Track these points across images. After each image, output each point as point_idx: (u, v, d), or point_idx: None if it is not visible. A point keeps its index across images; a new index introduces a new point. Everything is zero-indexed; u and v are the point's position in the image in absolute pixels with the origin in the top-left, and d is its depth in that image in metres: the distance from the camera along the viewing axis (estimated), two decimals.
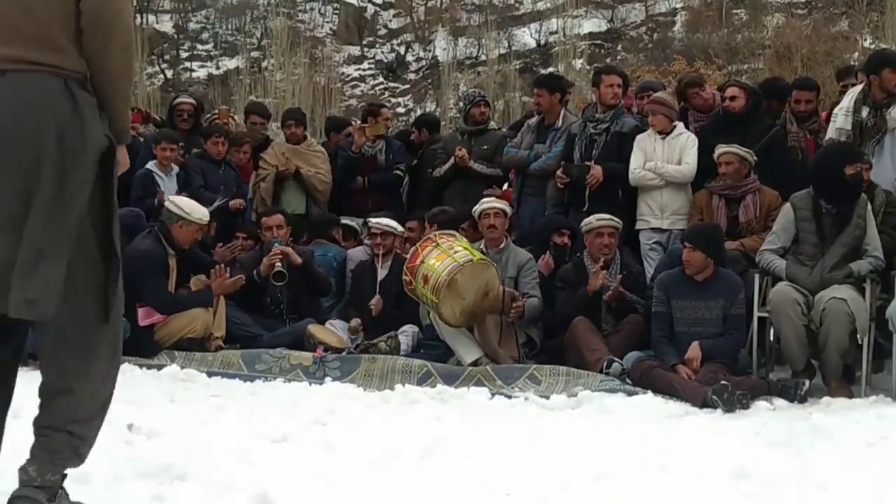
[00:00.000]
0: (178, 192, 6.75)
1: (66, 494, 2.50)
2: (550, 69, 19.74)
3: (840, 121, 6.04)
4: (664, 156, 6.36)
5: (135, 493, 2.83)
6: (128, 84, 2.59)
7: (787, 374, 5.42)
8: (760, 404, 4.86)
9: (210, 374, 5.50)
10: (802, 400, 5.02)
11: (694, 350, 5.28)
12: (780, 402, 4.98)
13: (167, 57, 25.31)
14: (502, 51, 22.97)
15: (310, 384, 5.39)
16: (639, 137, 6.44)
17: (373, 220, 6.58)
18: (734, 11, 22.81)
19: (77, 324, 2.46)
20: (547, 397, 5.01)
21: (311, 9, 26.53)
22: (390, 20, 26.93)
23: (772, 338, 5.53)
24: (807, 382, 5.13)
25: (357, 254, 6.86)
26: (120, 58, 2.49)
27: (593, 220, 5.98)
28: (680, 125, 6.50)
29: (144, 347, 5.79)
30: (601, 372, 5.35)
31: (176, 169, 7.09)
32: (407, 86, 24.74)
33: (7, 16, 2.38)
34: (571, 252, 6.27)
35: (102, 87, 2.47)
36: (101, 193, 2.46)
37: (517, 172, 7.17)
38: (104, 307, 2.47)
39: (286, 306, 6.43)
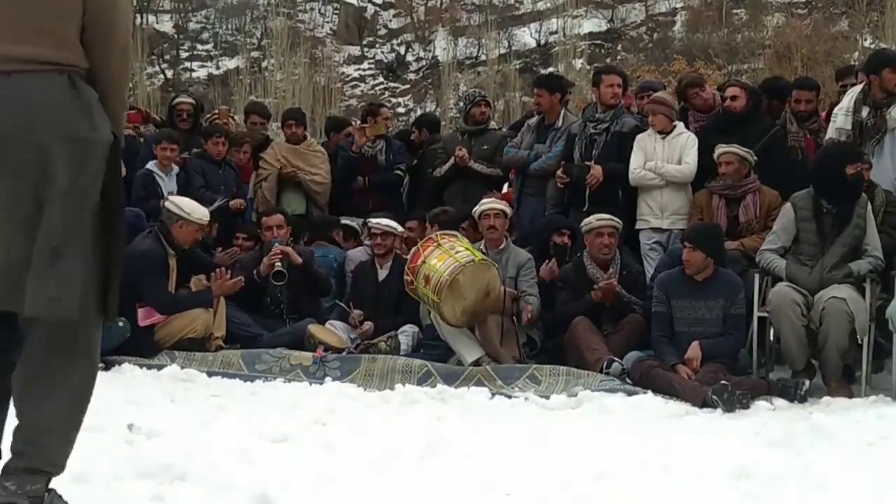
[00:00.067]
0: (179, 193, 6.75)
1: (59, 495, 2.49)
2: (550, 69, 19.75)
3: (840, 121, 6.04)
4: (664, 155, 6.36)
5: (135, 493, 2.83)
6: (124, 86, 2.59)
7: (787, 374, 5.42)
8: (760, 404, 4.86)
9: (210, 374, 5.50)
10: (802, 400, 5.02)
11: (694, 350, 5.28)
12: (780, 401, 4.98)
13: (167, 57, 25.32)
14: (502, 51, 22.99)
15: (310, 384, 5.39)
16: (639, 137, 6.44)
17: (373, 221, 6.57)
18: (734, 11, 22.83)
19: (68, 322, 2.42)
20: (547, 397, 5.01)
21: (311, 9, 26.54)
22: (390, 20, 26.94)
23: (772, 338, 5.54)
24: (807, 382, 5.13)
25: (357, 254, 6.85)
26: (119, 59, 2.50)
27: (593, 220, 5.98)
28: (680, 125, 6.50)
29: (144, 347, 5.79)
30: (601, 372, 5.35)
31: (176, 169, 7.08)
32: (407, 86, 24.75)
33: (16, 9, 2.36)
34: (571, 252, 6.27)
35: (100, 86, 2.47)
36: (108, 188, 2.45)
37: (517, 172, 7.16)
38: (102, 305, 2.46)
39: (286, 306, 6.42)
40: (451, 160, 7.14)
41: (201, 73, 24.67)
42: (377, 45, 26.17)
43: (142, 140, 7.71)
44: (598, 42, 23.66)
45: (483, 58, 23.14)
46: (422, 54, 25.58)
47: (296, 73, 19.97)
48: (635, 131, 6.52)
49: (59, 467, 2.47)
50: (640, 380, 5.23)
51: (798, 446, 3.79)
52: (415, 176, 7.82)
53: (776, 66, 17.52)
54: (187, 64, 25.18)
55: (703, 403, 4.82)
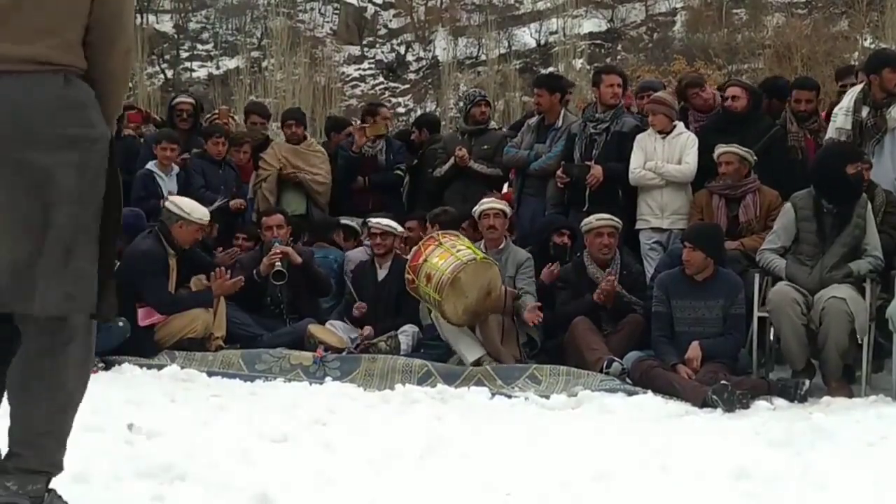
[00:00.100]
0: (179, 193, 6.75)
1: (59, 495, 2.49)
2: (550, 69, 19.75)
3: (840, 120, 6.04)
4: (664, 155, 6.36)
5: (135, 493, 2.82)
6: (123, 89, 2.60)
7: (787, 374, 5.42)
8: (760, 404, 4.86)
9: (210, 374, 5.50)
10: (802, 400, 5.02)
11: (694, 350, 5.28)
12: (780, 401, 4.98)
13: (167, 57, 25.32)
14: (502, 51, 23.00)
15: (310, 384, 5.39)
16: (639, 137, 6.44)
17: (372, 221, 6.57)
18: (734, 11, 22.83)
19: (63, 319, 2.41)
20: (547, 397, 5.01)
21: (311, 9, 26.55)
22: (390, 20, 26.94)
23: (772, 337, 5.54)
24: (807, 382, 5.13)
25: (356, 255, 6.85)
26: (121, 62, 2.50)
27: (593, 220, 5.98)
28: (680, 125, 6.50)
29: (144, 347, 5.79)
30: (601, 372, 5.35)
31: (176, 169, 7.08)
32: (407, 86, 24.75)
33: (23, 9, 2.36)
34: (571, 252, 6.27)
35: (99, 87, 2.47)
36: (107, 187, 2.45)
37: (517, 172, 7.16)
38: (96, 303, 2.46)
39: (286, 306, 6.42)
40: (451, 160, 7.14)
41: (201, 73, 24.68)
42: (377, 45, 26.17)
43: (142, 140, 7.71)
44: (598, 42, 23.66)
45: (483, 58, 23.14)
46: (422, 54, 25.58)
47: (296, 73, 19.98)
48: (635, 131, 6.52)
49: (59, 467, 2.47)
50: (640, 380, 5.23)
51: (798, 446, 3.79)
52: (415, 176, 7.82)
53: (776, 66, 17.51)
54: (187, 64, 25.18)
55: (703, 403, 4.82)
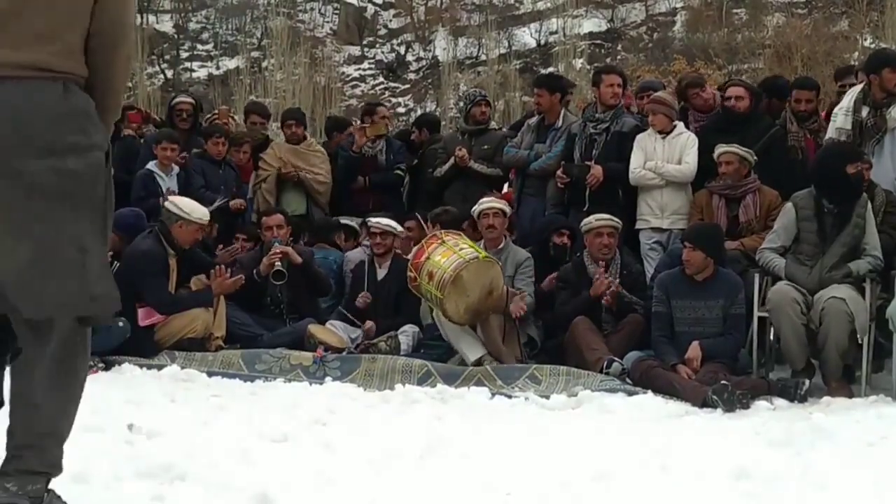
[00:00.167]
0: (179, 193, 6.75)
1: (58, 496, 2.49)
2: (550, 69, 19.75)
3: (840, 120, 6.04)
4: (664, 155, 6.36)
5: (135, 493, 2.83)
6: (121, 94, 2.61)
7: (787, 374, 5.42)
8: (760, 404, 4.86)
9: (210, 374, 5.50)
10: (802, 400, 5.02)
11: (694, 350, 5.28)
12: (780, 401, 4.98)
13: (167, 57, 25.31)
14: (502, 51, 22.99)
15: (310, 384, 5.39)
16: (639, 137, 6.44)
17: (372, 220, 6.57)
18: (734, 11, 22.82)
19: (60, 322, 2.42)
20: (547, 397, 5.01)
21: (312, 9, 26.54)
22: (390, 20, 26.94)
23: (772, 337, 5.54)
24: (807, 382, 5.13)
25: (355, 255, 6.85)
26: (122, 68, 2.51)
27: (593, 220, 5.97)
28: (680, 125, 6.50)
29: (144, 347, 5.79)
30: (601, 372, 5.35)
31: (176, 169, 7.08)
32: (407, 86, 24.75)
33: (24, 14, 2.36)
34: (571, 252, 6.27)
35: (98, 93, 2.47)
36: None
37: (517, 172, 7.17)
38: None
39: (286, 306, 6.42)
40: (451, 160, 7.14)
41: (201, 73, 24.67)
42: (377, 45, 26.17)
43: (142, 140, 7.71)
44: (598, 42, 23.65)
45: (483, 58, 23.13)
46: (422, 54, 25.57)
47: (296, 73, 19.98)
48: (635, 131, 6.52)
49: (58, 468, 2.48)
50: (640, 380, 5.23)
51: (798, 446, 3.79)
52: (415, 176, 7.82)
53: (776, 65, 17.51)
54: (187, 64, 25.17)
55: (703, 403, 4.82)
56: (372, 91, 24.08)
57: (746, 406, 4.80)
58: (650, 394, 5.03)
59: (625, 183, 6.43)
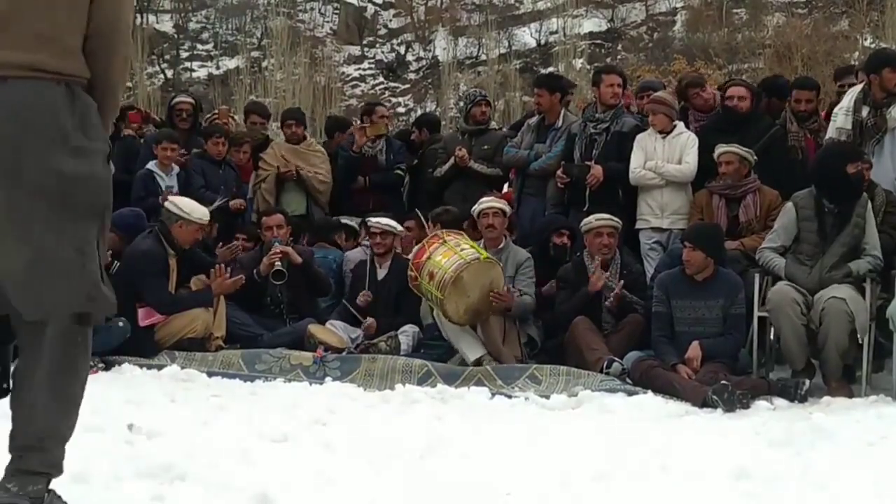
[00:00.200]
0: (179, 193, 6.75)
1: (59, 496, 2.49)
2: (550, 69, 19.73)
3: (840, 120, 6.04)
4: (664, 155, 6.36)
5: (135, 493, 2.83)
6: (119, 96, 2.61)
7: (787, 374, 5.42)
8: (760, 404, 4.86)
9: (210, 374, 5.50)
10: (802, 400, 5.02)
11: (694, 350, 5.28)
12: (780, 401, 4.98)
13: (167, 57, 25.30)
14: (502, 50, 22.98)
15: (310, 384, 5.39)
16: (639, 137, 6.44)
17: (372, 220, 6.57)
18: (734, 11, 22.81)
19: (58, 322, 2.42)
20: (547, 397, 5.01)
21: (312, 9, 26.52)
22: (390, 20, 26.93)
23: (772, 337, 5.54)
24: (807, 382, 5.13)
25: (354, 255, 6.85)
26: (120, 68, 2.51)
27: (593, 220, 5.98)
28: (680, 125, 6.50)
29: (144, 347, 5.79)
30: (601, 372, 5.35)
31: (176, 169, 7.09)
32: (407, 86, 24.73)
33: (24, 16, 2.36)
34: (571, 252, 6.27)
35: (97, 94, 2.47)
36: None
37: (517, 172, 7.17)
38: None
39: (286, 306, 6.42)
40: (452, 160, 7.14)
41: (201, 73, 24.65)
42: (377, 45, 26.16)
43: (142, 140, 7.71)
44: (598, 42, 23.64)
45: (483, 58, 23.12)
46: (422, 54, 25.56)
47: (296, 73, 19.97)
48: (635, 131, 6.52)
49: (59, 469, 2.48)
50: (640, 380, 5.23)
51: (798, 446, 3.79)
52: (415, 176, 7.82)
53: (776, 65, 17.50)
54: (187, 64, 25.16)
55: (703, 403, 4.82)
56: (372, 91, 24.07)
57: (746, 406, 4.80)
58: (650, 394, 5.03)
59: (625, 183, 6.43)
